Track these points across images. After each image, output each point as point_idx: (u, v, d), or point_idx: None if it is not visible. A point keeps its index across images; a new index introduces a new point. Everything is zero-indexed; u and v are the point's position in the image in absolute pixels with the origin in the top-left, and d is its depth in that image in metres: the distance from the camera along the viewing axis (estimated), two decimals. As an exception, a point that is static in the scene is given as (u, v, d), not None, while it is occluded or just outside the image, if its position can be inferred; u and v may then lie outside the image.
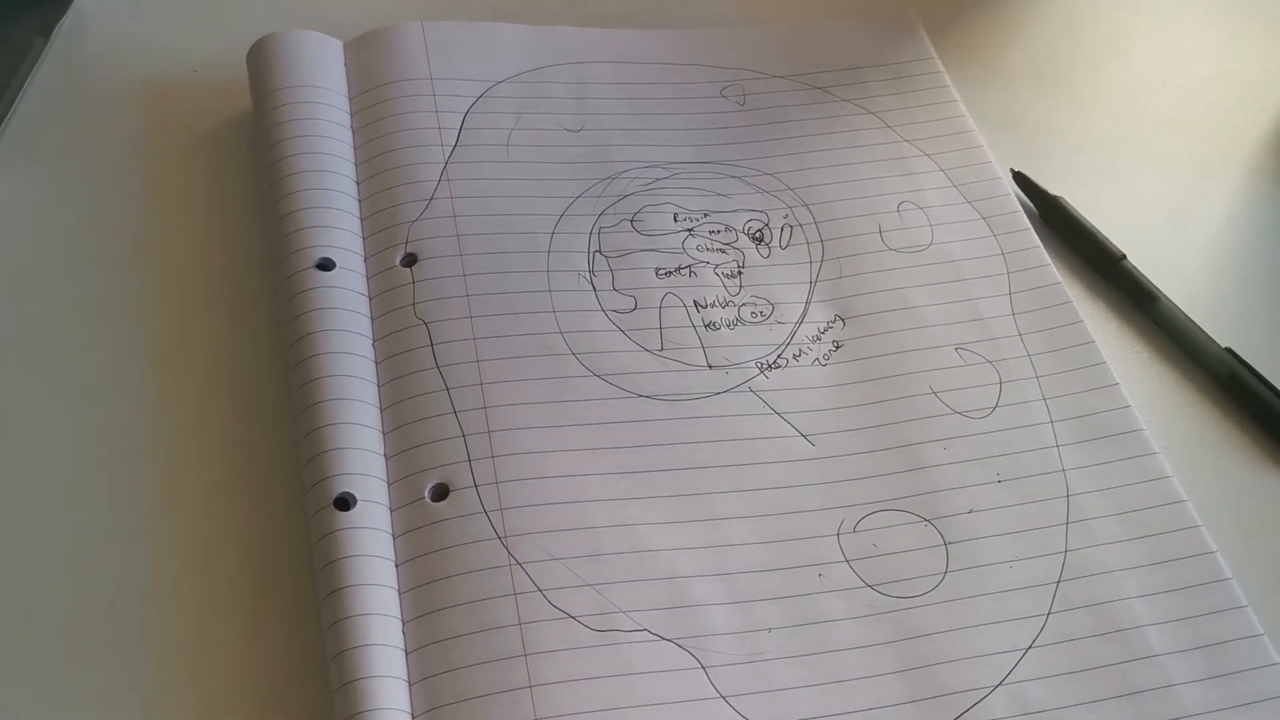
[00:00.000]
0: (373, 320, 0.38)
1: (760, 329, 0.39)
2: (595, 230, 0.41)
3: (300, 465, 0.35)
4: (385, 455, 0.35)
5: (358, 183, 0.41)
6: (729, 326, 0.39)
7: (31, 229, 0.41)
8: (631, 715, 0.31)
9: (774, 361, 0.39)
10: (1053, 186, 0.45)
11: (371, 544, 0.33)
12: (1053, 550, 0.35)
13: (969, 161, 0.45)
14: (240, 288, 0.40)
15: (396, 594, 0.32)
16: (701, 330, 0.39)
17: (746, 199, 0.43)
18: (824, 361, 0.39)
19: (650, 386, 0.37)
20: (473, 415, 0.35)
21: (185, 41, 0.47)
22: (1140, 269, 0.43)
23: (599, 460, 0.35)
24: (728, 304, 0.40)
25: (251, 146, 0.43)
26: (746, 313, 0.40)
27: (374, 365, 0.37)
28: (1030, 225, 0.43)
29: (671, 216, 0.42)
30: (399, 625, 0.32)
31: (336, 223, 0.39)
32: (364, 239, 0.40)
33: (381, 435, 0.35)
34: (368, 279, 0.39)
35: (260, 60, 0.43)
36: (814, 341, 0.39)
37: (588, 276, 0.40)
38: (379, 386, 0.36)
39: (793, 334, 0.40)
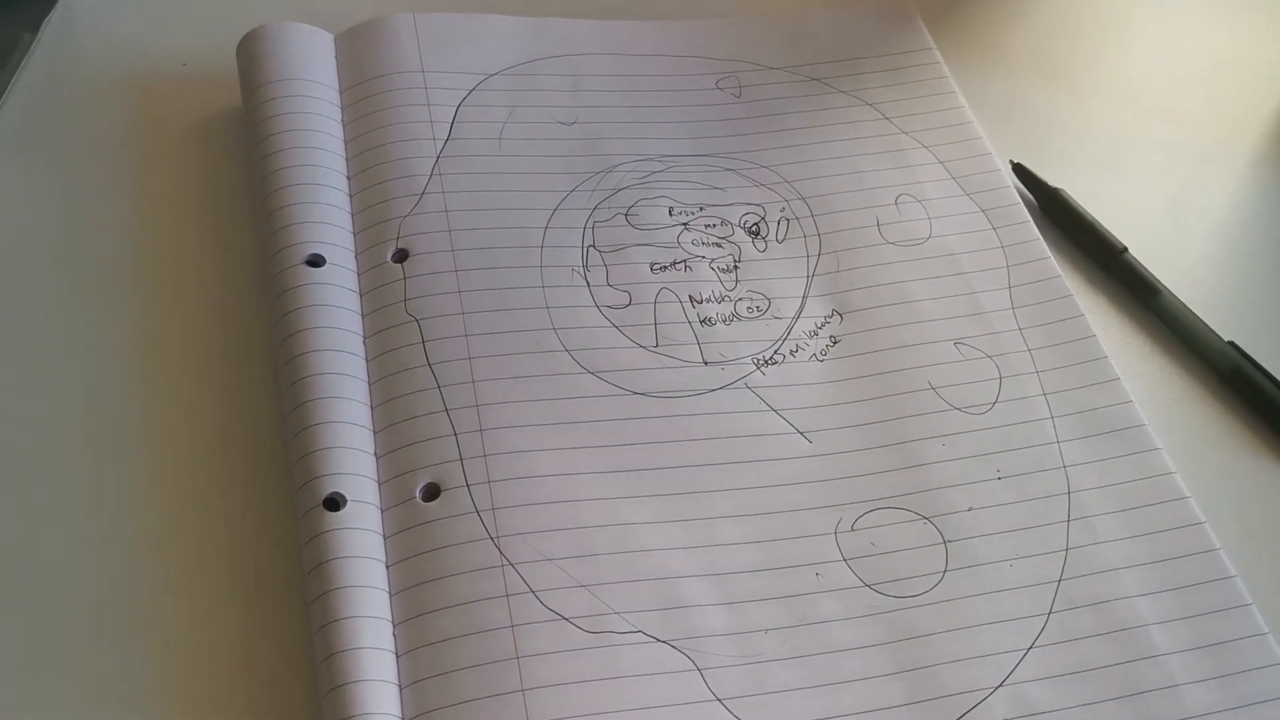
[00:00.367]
0: (363, 317, 0.37)
1: (756, 324, 0.39)
2: (589, 225, 0.41)
3: (290, 464, 0.34)
4: (376, 454, 0.35)
5: (348, 177, 0.41)
6: (725, 322, 0.39)
7: (20, 224, 0.41)
8: (625, 718, 0.30)
9: (770, 357, 0.38)
10: (1053, 178, 0.45)
11: (361, 545, 0.32)
12: (1054, 548, 0.34)
13: (968, 153, 0.45)
14: (230, 284, 0.40)
15: (387, 596, 0.32)
16: (697, 326, 0.39)
17: (742, 192, 0.43)
18: (821, 357, 0.38)
19: (645, 383, 0.37)
20: (465, 413, 0.35)
21: (174, 35, 0.47)
22: (1141, 261, 0.42)
23: (593, 459, 0.35)
24: (723, 299, 0.40)
25: (242, 140, 0.43)
26: (743, 308, 0.39)
27: (364, 363, 0.36)
28: (1030, 218, 0.43)
29: (666, 210, 0.42)
30: (389, 628, 0.31)
31: (326, 218, 0.39)
32: (355, 234, 0.39)
33: (372, 434, 0.35)
34: (358, 275, 0.38)
35: (249, 53, 0.43)
36: (811, 337, 0.39)
37: (581, 272, 0.39)
38: (369, 384, 0.36)
39: (789, 329, 0.39)
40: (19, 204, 0.41)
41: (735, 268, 0.40)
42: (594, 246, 0.40)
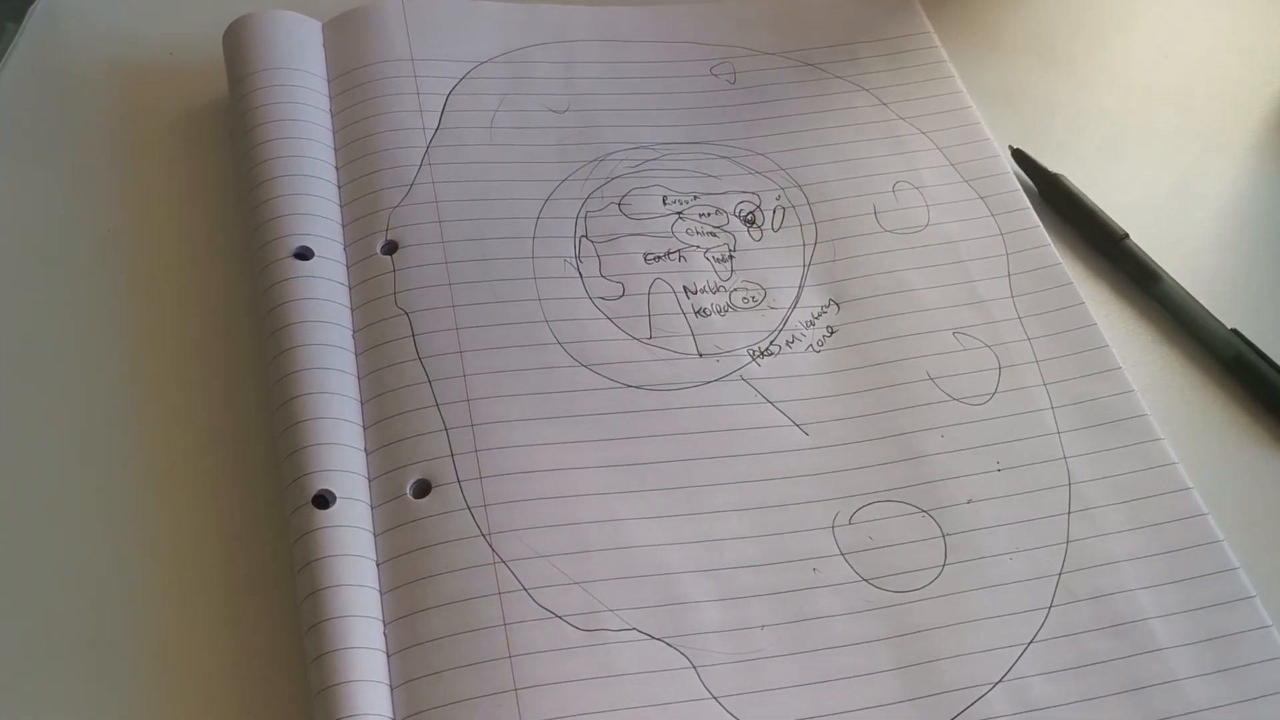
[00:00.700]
0: (352, 311, 0.37)
1: (752, 315, 0.38)
2: (581, 214, 0.40)
3: (278, 461, 0.34)
4: (365, 450, 0.34)
5: (337, 168, 0.40)
6: (720, 313, 0.38)
7: (3, 215, 0.40)
8: (620, 717, 0.30)
9: (766, 348, 0.38)
10: (1052, 164, 0.44)
11: (351, 543, 0.32)
12: (1054, 541, 0.34)
13: (966, 139, 0.44)
14: (217, 277, 0.39)
15: (377, 595, 0.32)
16: (691, 317, 0.38)
17: (737, 180, 0.42)
18: (818, 348, 0.38)
19: (639, 376, 0.36)
20: (456, 408, 0.34)
21: (160, 24, 0.46)
22: (1143, 248, 0.42)
23: (586, 453, 0.34)
24: (718, 289, 0.39)
25: (229, 131, 0.42)
26: (738, 298, 0.39)
27: (354, 357, 0.36)
28: (1029, 204, 0.42)
29: (660, 199, 0.41)
30: (380, 627, 0.31)
31: (315, 210, 0.38)
32: (343, 226, 0.39)
33: (361, 429, 0.34)
34: (347, 268, 0.38)
35: (236, 42, 0.42)
36: (808, 327, 0.38)
37: (574, 263, 0.39)
38: (359, 379, 0.35)
39: (786, 319, 0.39)
40: (3, 194, 0.41)
41: (730, 257, 0.40)
42: (586, 237, 0.40)
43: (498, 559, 0.32)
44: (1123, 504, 0.35)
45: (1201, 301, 0.41)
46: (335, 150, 0.41)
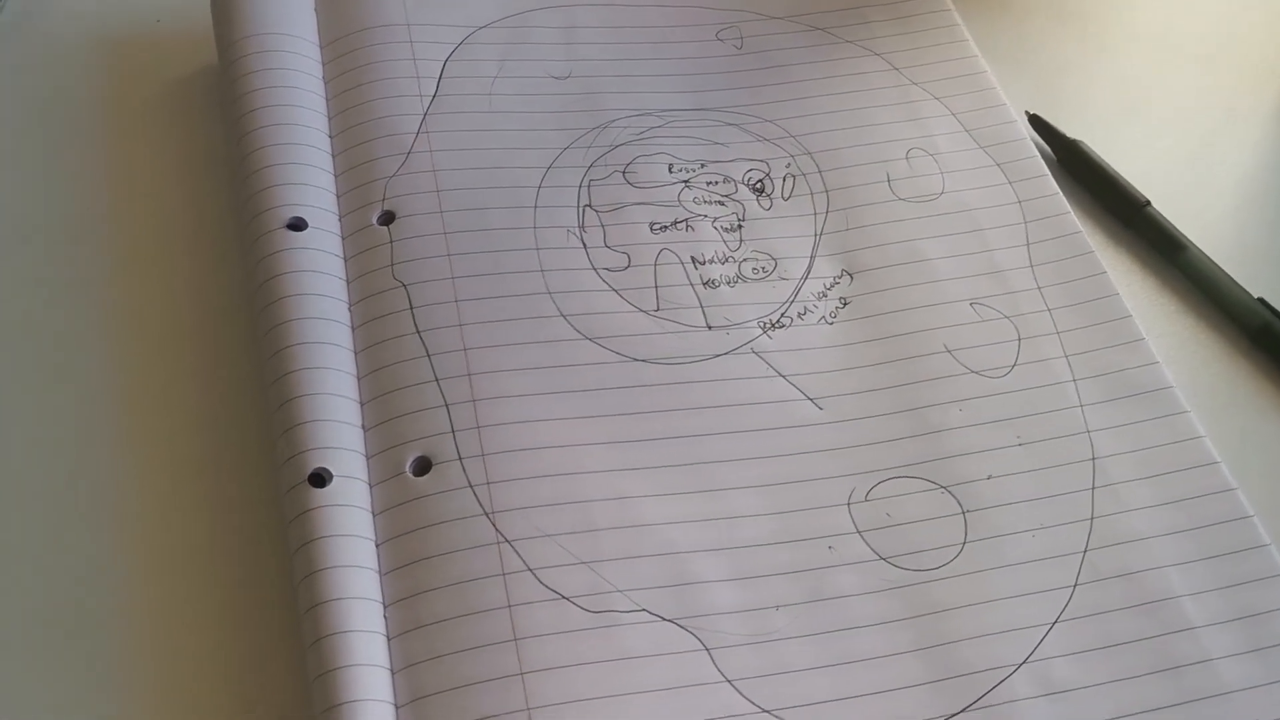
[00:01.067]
0: (348, 283, 0.36)
1: (762, 286, 0.37)
2: (585, 183, 0.39)
3: (273, 439, 0.33)
4: (363, 427, 0.33)
5: (331, 137, 0.39)
6: (729, 284, 0.37)
7: (-15, 191, 0.40)
8: (630, 702, 0.29)
9: (778, 320, 0.37)
10: (1071, 129, 0.43)
11: (349, 523, 0.31)
12: (1078, 517, 0.33)
13: (981, 104, 0.43)
14: (209, 249, 0.39)
15: (377, 576, 0.31)
16: (700, 288, 0.37)
17: (746, 148, 0.41)
18: (831, 319, 0.37)
19: (646, 349, 0.35)
20: (456, 383, 0.33)
21: (148, -11, 0.45)
22: (1165, 216, 0.41)
23: (592, 429, 0.33)
24: (727, 260, 0.38)
25: (219, 99, 0.41)
26: (748, 269, 0.38)
27: (350, 331, 0.35)
28: (1048, 171, 0.41)
29: (666, 167, 0.40)
30: (380, 609, 0.30)
31: (308, 180, 0.37)
32: (338, 197, 0.38)
33: (359, 406, 0.33)
34: (342, 239, 0.37)
35: (225, 7, 0.41)
36: (820, 298, 0.37)
37: (577, 233, 0.38)
38: (355, 354, 0.34)
39: (797, 291, 0.37)
40: (-14, 168, 0.40)
41: (739, 227, 0.39)
42: (590, 206, 0.38)
43: (501, 539, 0.31)
44: (1149, 479, 0.34)
45: (1226, 270, 0.40)
46: (329, 118, 0.40)
